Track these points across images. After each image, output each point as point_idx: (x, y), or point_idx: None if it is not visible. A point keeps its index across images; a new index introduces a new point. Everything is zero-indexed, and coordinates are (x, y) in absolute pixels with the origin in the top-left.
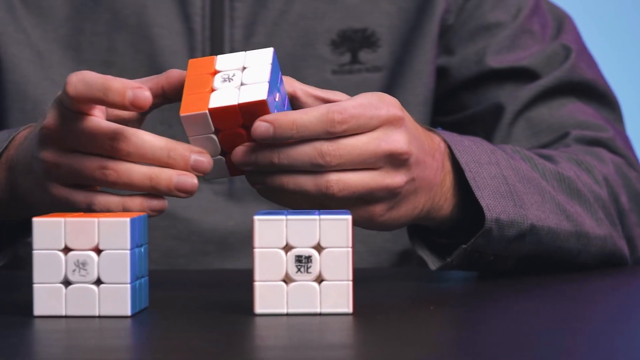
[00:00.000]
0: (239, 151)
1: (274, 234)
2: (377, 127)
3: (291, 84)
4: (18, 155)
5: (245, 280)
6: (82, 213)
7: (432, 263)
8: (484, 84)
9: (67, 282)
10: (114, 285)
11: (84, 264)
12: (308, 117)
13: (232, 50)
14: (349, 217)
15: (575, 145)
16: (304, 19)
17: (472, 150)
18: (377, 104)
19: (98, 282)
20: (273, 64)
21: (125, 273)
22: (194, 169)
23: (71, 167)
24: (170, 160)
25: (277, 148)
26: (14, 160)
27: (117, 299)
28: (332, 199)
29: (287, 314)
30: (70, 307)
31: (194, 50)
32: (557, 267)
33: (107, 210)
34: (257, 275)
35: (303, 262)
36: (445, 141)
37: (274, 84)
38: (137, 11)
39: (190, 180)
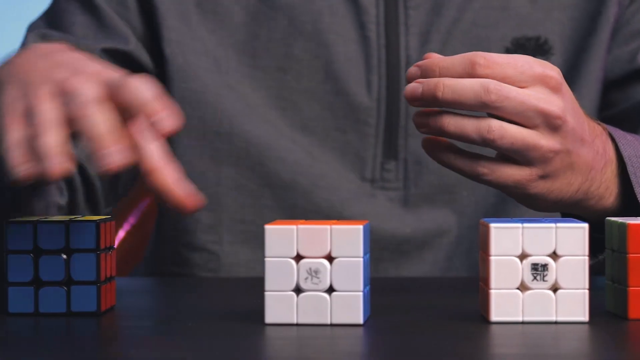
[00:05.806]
0: (410, 86)
1: (509, 242)
2: (530, 84)
3: None
4: None
5: (464, 286)
6: (313, 221)
7: None
8: (633, 82)
9: (298, 290)
10: (347, 293)
11: (316, 271)
12: (450, 59)
13: (408, 59)
14: (586, 226)
15: None
16: (477, 27)
17: (635, 145)
18: (532, 62)
19: (330, 290)
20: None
21: (357, 281)
22: None
23: None
24: None
25: (443, 80)
26: None
27: (349, 307)
28: (490, 146)
29: (522, 322)
30: (302, 315)
31: (369, 57)
32: None
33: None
34: (493, 283)
35: (539, 270)
36: (609, 134)
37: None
38: (313, 18)
39: None
